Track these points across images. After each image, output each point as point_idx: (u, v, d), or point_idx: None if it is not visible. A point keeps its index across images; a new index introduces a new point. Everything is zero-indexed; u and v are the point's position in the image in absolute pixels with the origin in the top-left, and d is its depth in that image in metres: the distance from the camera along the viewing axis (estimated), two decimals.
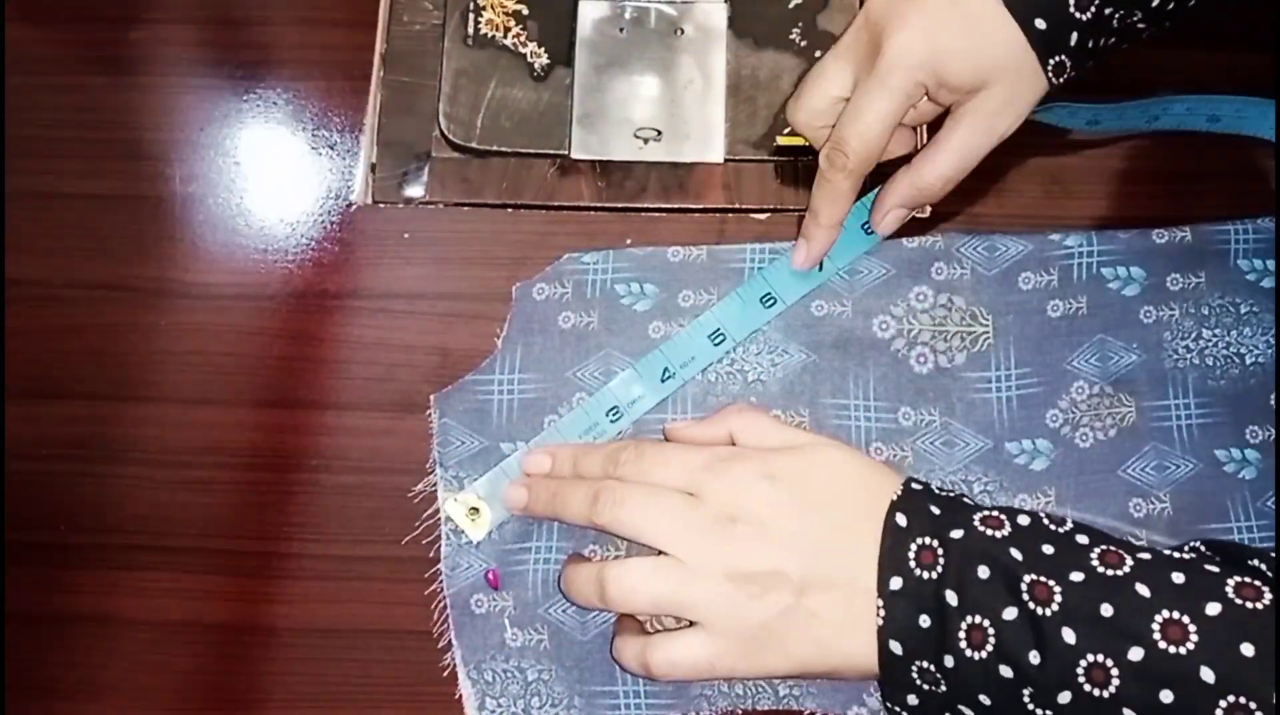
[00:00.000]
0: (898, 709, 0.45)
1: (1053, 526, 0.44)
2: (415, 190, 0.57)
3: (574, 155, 0.57)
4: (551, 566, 0.52)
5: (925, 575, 0.43)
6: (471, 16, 0.58)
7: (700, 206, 0.56)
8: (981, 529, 0.44)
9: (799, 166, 0.57)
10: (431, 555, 0.52)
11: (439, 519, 0.52)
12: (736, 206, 0.56)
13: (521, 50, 0.58)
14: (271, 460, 0.53)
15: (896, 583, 0.43)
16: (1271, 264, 0.54)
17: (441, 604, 0.52)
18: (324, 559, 0.52)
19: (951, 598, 0.42)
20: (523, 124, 0.57)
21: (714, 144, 0.57)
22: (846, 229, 0.54)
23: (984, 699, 0.42)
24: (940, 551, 0.43)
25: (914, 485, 0.46)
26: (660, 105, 0.57)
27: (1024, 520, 0.45)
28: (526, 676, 0.51)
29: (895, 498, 0.46)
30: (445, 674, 0.51)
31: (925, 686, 0.43)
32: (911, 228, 0.55)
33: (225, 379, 0.54)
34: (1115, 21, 0.49)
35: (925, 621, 0.43)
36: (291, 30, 0.59)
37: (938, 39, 0.48)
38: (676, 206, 0.56)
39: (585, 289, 0.55)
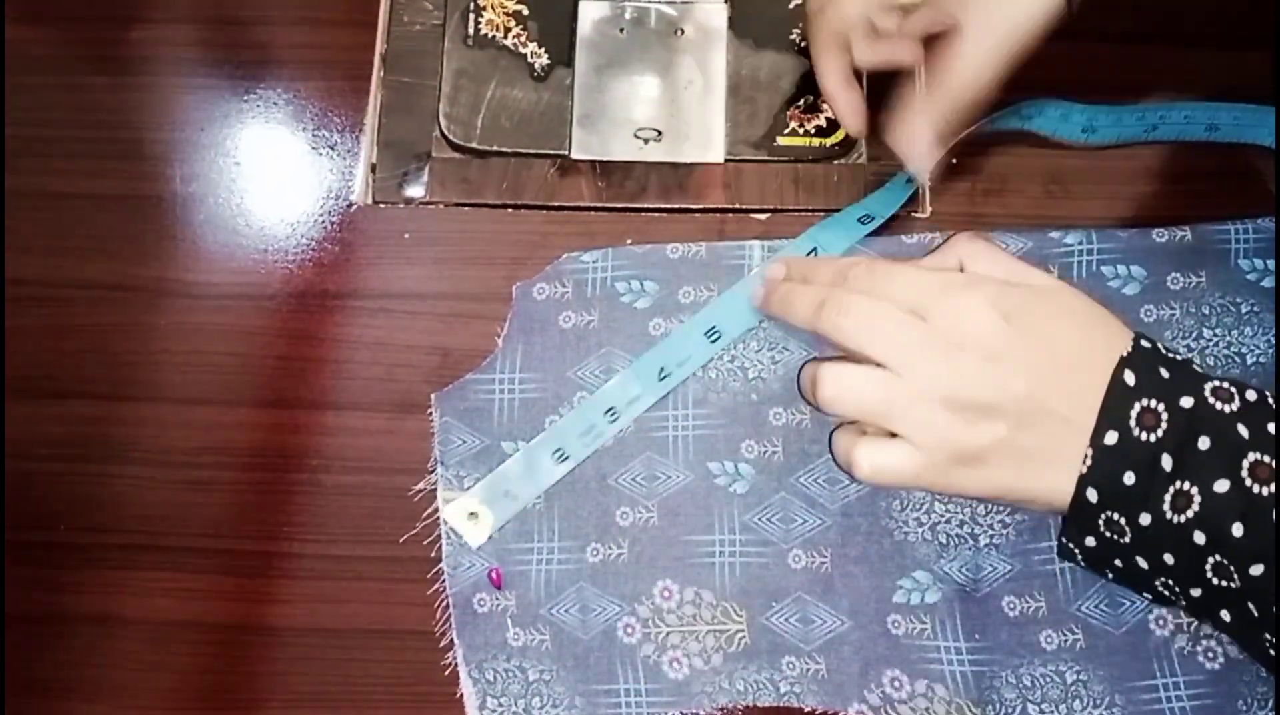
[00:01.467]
0: (1071, 545, 0.45)
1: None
2: (415, 190, 0.56)
3: (574, 155, 0.56)
4: (554, 566, 0.51)
5: (1144, 436, 0.42)
6: (471, 17, 0.58)
7: (700, 206, 0.56)
8: (1211, 400, 0.42)
9: (799, 167, 0.56)
10: (433, 555, 0.52)
11: (439, 518, 0.52)
12: (736, 206, 0.56)
13: (521, 50, 0.57)
14: (271, 460, 0.53)
15: (1112, 437, 0.43)
16: (1272, 263, 0.54)
17: (443, 603, 0.51)
18: (324, 559, 0.52)
19: (1166, 462, 0.42)
20: (523, 124, 0.57)
21: (714, 144, 0.56)
22: (841, 221, 0.53)
23: (1167, 558, 0.42)
24: (1165, 416, 0.42)
25: (1143, 343, 0.45)
26: (660, 105, 0.57)
27: (1252, 395, 0.43)
28: (528, 676, 0.51)
29: (1125, 354, 0.44)
30: (446, 673, 0.51)
31: (1108, 534, 0.43)
32: (907, 230, 0.55)
33: (225, 379, 0.54)
34: None
35: (1130, 478, 0.42)
36: (291, 30, 0.59)
37: None
38: (676, 206, 0.56)
39: (585, 288, 0.54)
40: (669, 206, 0.56)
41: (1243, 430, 0.42)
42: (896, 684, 0.50)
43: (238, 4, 0.59)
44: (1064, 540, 0.45)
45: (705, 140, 0.56)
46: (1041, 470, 0.44)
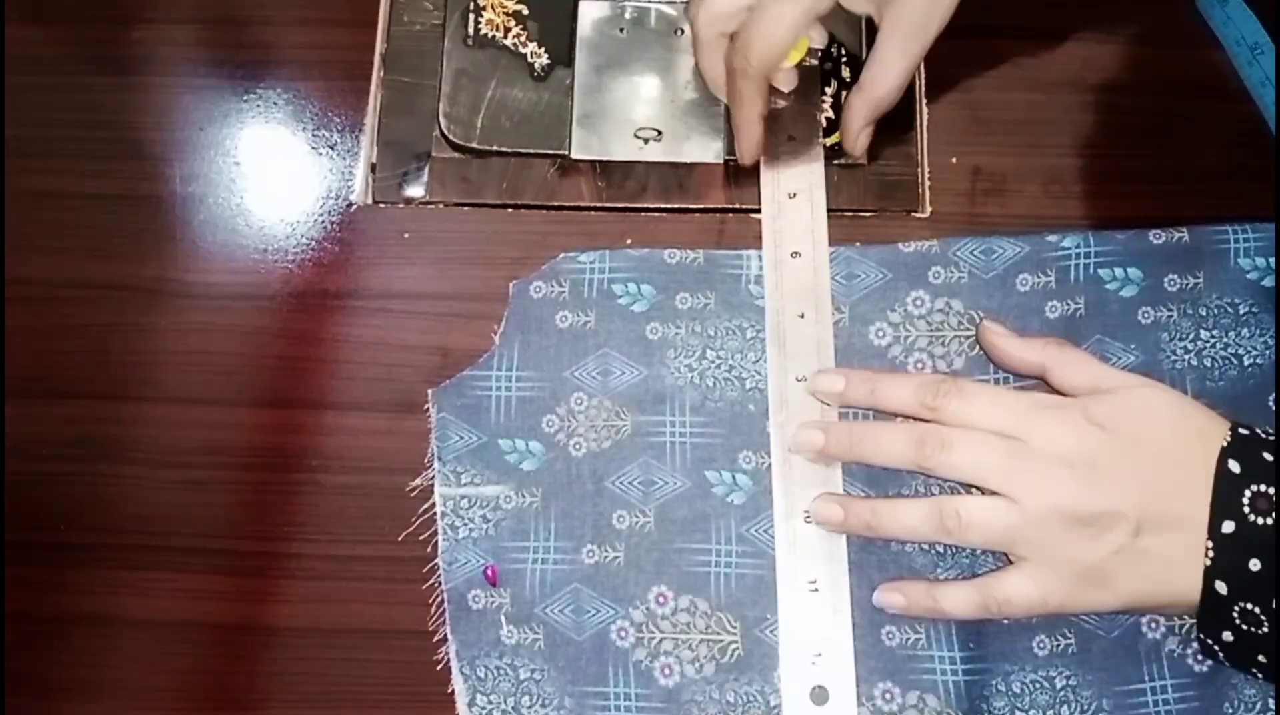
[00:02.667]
0: (1210, 642, 0.45)
1: None
2: (415, 190, 0.56)
3: (574, 155, 0.56)
4: (549, 566, 0.51)
5: (1260, 521, 0.43)
6: (471, 16, 0.57)
7: (700, 206, 0.55)
8: None
9: None
10: (429, 551, 0.51)
11: (435, 514, 0.52)
12: (736, 206, 0.55)
13: (521, 50, 0.57)
14: (271, 460, 0.53)
15: (1229, 526, 0.43)
16: (1271, 264, 0.53)
17: (438, 598, 0.51)
18: (324, 559, 0.52)
19: None
20: (523, 124, 0.56)
21: (714, 144, 0.56)
22: None
23: None
24: (1276, 499, 0.43)
25: (1241, 430, 0.46)
26: (660, 105, 0.56)
27: None
28: (519, 675, 0.50)
29: (1226, 443, 0.45)
30: (439, 668, 0.50)
31: (1245, 626, 0.43)
32: (906, 231, 0.54)
33: (225, 379, 0.53)
34: None
35: (1256, 565, 0.43)
36: (291, 30, 0.58)
37: None
38: (676, 206, 0.55)
39: (582, 289, 0.54)
40: (669, 206, 0.55)
41: None
42: (888, 696, 0.49)
43: (238, 4, 0.58)
44: (1203, 636, 0.45)
45: (705, 140, 0.56)
46: (1169, 572, 0.44)
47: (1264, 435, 0.46)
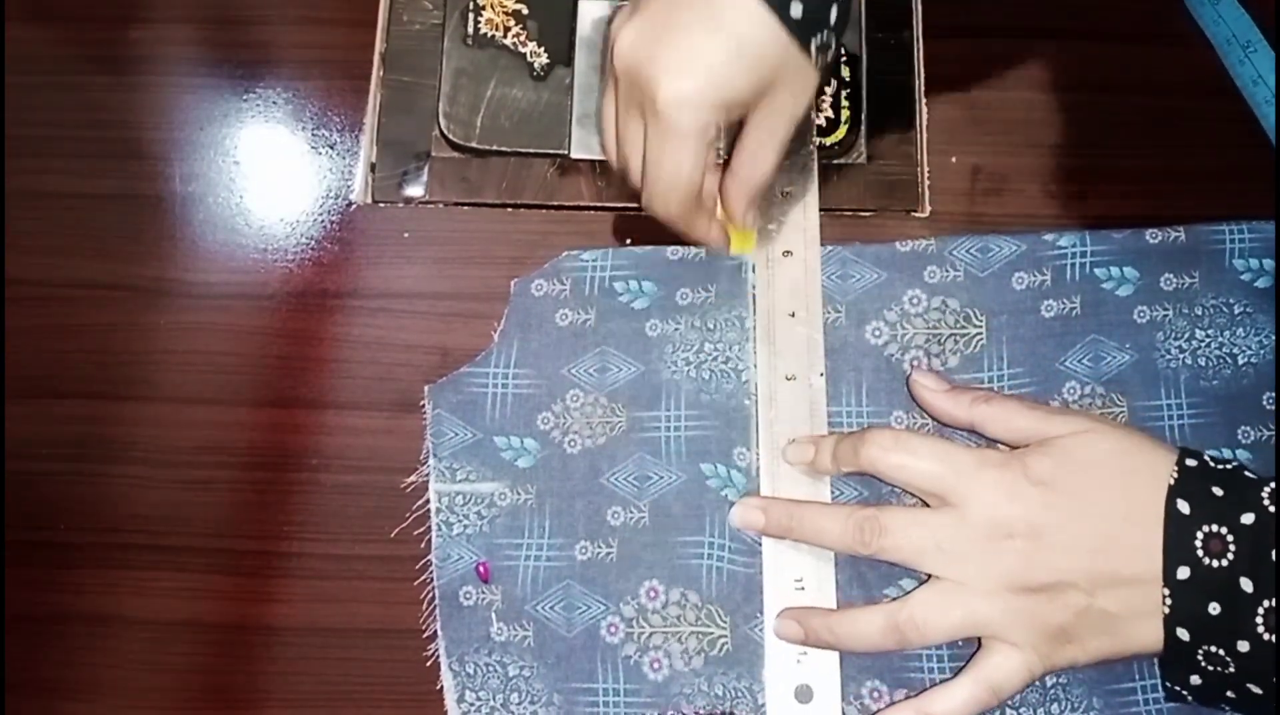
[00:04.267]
0: (1178, 688, 0.44)
1: None
2: (415, 190, 0.55)
3: (574, 155, 0.55)
4: (542, 563, 0.50)
5: (1215, 563, 0.42)
6: (471, 16, 0.56)
7: None
8: (1271, 508, 0.42)
9: None
10: (423, 548, 0.51)
11: (429, 510, 0.51)
12: None
13: (521, 50, 0.56)
14: (271, 460, 0.52)
15: (1184, 572, 0.42)
16: (1267, 263, 0.53)
17: (430, 595, 0.50)
18: (324, 558, 0.51)
19: (1246, 585, 0.41)
20: (522, 124, 0.55)
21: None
22: None
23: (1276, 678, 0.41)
24: (1230, 539, 0.42)
25: (1189, 462, 0.44)
26: None
27: None
28: (508, 672, 0.49)
29: (1173, 482, 0.43)
30: (428, 664, 0.50)
31: (1211, 668, 0.42)
32: (906, 230, 0.54)
33: (225, 379, 0.53)
34: None
35: (1215, 609, 0.42)
36: (291, 30, 0.57)
37: (708, 71, 0.45)
38: None
39: (584, 286, 0.53)
40: None
41: None
42: (875, 694, 0.49)
43: (238, 4, 0.58)
44: (1169, 684, 0.44)
45: None
46: (1131, 626, 0.43)
47: (1214, 464, 0.44)
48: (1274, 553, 0.41)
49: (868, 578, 0.49)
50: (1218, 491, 0.43)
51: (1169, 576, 0.42)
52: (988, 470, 0.45)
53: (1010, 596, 0.44)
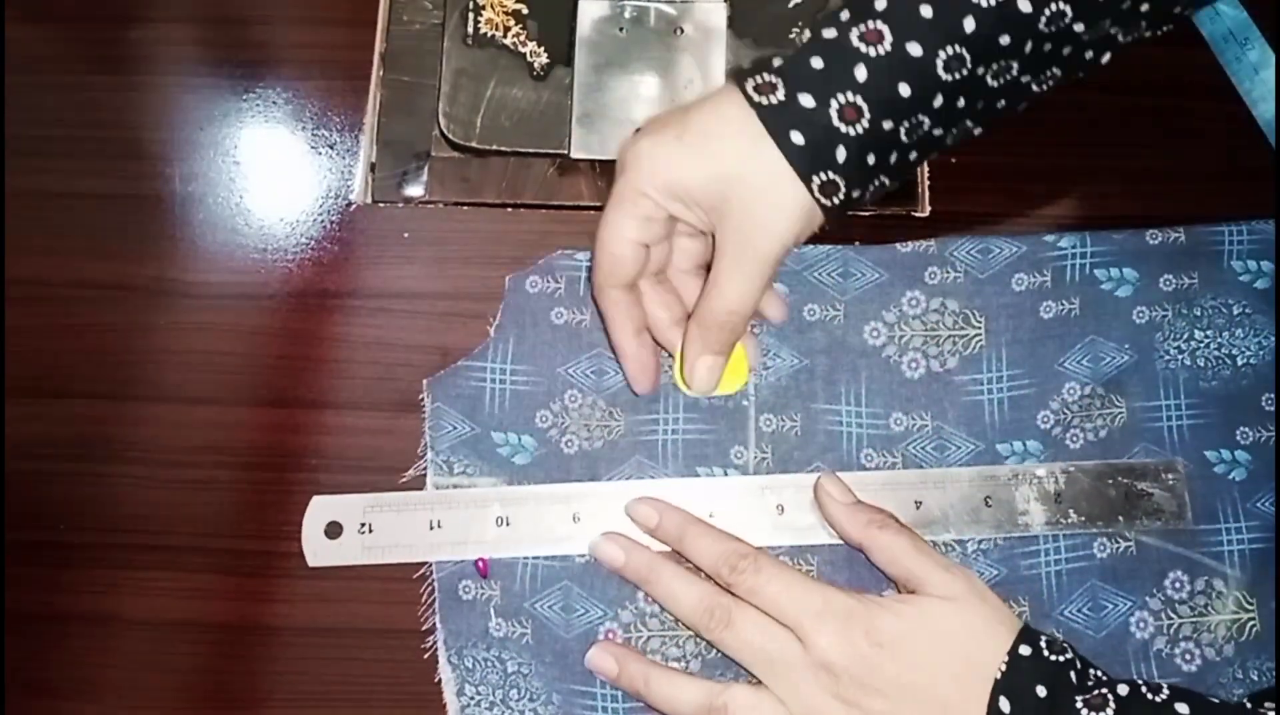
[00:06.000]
0: None
1: (1150, 696, 0.42)
2: (415, 190, 0.54)
3: (574, 155, 0.54)
4: (541, 562, 0.50)
5: None
6: (471, 16, 0.56)
7: None
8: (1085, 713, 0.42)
9: None
10: None
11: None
12: None
13: (521, 50, 0.55)
14: (271, 460, 0.51)
15: None
16: (1265, 265, 0.52)
17: (429, 588, 0.50)
18: None
19: None
20: (522, 123, 0.55)
21: None
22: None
23: None
24: None
25: (1022, 650, 0.43)
26: (660, 105, 0.55)
27: (1124, 690, 0.42)
28: (507, 668, 0.49)
29: (999, 675, 0.43)
30: (426, 656, 0.49)
31: None
32: (906, 230, 0.53)
33: (225, 379, 0.52)
34: (904, 135, 0.43)
35: None
36: (291, 30, 0.57)
37: (671, 160, 0.44)
38: None
39: (578, 286, 0.53)
40: None
41: None
42: None
43: (238, 3, 0.57)
44: None
45: None
46: None
47: (1048, 654, 0.43)
48: None
49: (861, 572, 0.49)
50: (1041, 691, 0.42)
51: None
52: (829, 619, 0.44)
53: None
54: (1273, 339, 0.52)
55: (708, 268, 0.47)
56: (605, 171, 0.54)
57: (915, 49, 0.42)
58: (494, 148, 0.54)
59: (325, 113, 0.56)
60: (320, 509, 0.50)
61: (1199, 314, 0.52)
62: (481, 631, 0.49)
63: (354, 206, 0.54)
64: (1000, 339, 0.52)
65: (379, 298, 0.53)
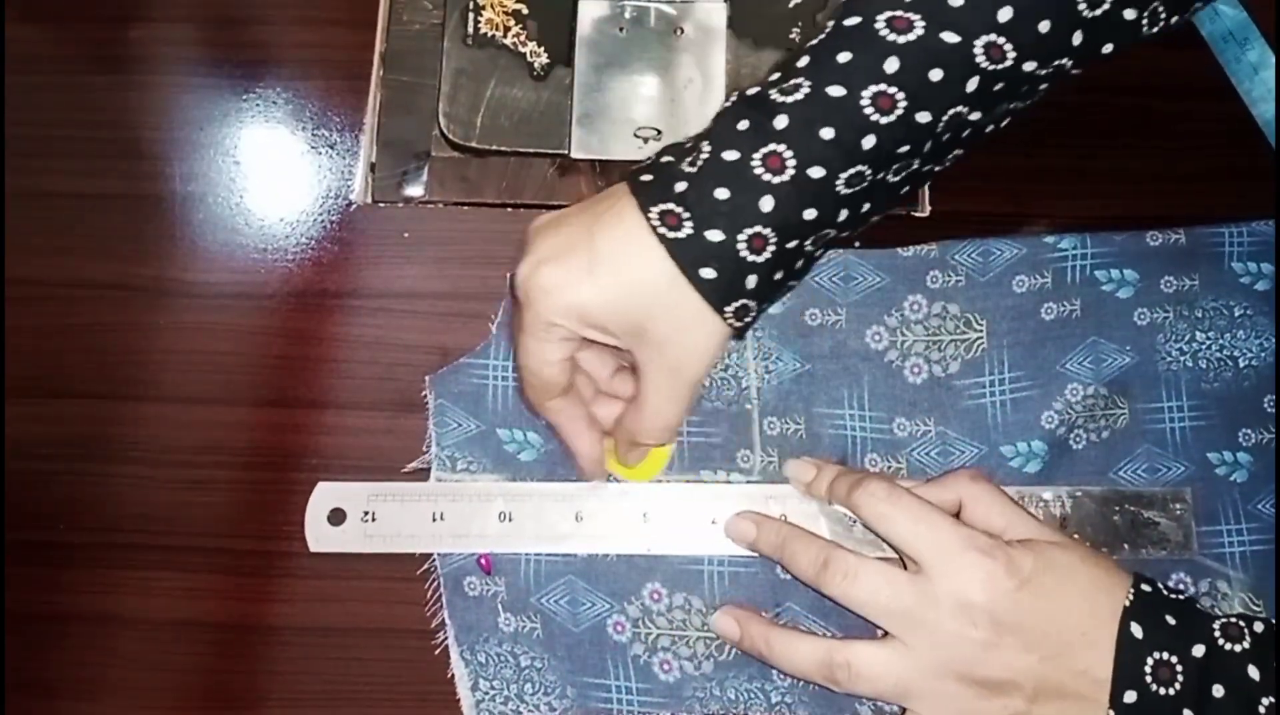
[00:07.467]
0: None
1: None
2: (415, 189, 0.54)
3: (574, 155, 0.54)
4: (543, 557, 0.50)
5: (1161, 691, 0.41)
6: (471, 16, 0.55)
7: None
8: (1221, 643, 0.41)
9: None
10: None
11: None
12: None
13: (521, 50, 0.55)
14: (271, 460, 0.51)
15: (1131, 696, 0.41)
16: (1266, 267, 0.52)
17: (434, 583, 0.49)
18: (324, 558, 0.50)
19: None
20: (522, 123, 0.54)
21: None
22: None
23: None
24: (1179, 669, 0.41)
25: (1144, 587, 0.43)
26: (660, 105, 0.55)
27: (1259, 627, 0.42)
28: (520, 662, 0.49)
29: (1128, 605, 0.42)
30: (429, 662, 0.49)
31: None
32: (908, 231, 0.53)
33: (225, 378, 0.52)
34: (809, 245, 0.43)
35: None
36: (291, 30, 0.56)
37: (581, 293, 0.42)
38: None
39: None
40: None
41: (1254, 673, 0.40)
42: (877, 704, 0.48)
43: (237, 4, 0.57)
44: None
45: None
46: None
47: (1167, 592, 0.43)
48: (1218, 688, 0.40)
49: None
50: (1171, 620, 0.42)
51: (1115, 699, 0.41)
52: (970, 552, 0.43)
53: (951, 682, 0.43)
54: (1273, 340, 0.51)
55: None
56: (605, 171, 0.54)
57: (817, 172, 0.40)
58: (494, 148, 0.54)
59: (325, 113, 0.55)
60: (325, 495, 0.50)
61: (1200, 316, 0.52)
62: (492, 627, 0.49)
63: (354, 206, 0.54)
64: (1002, 341, 0.51)
65: (379, 298, 0.53)
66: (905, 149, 0.41)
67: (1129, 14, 0.41)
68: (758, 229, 0.40)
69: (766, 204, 0.40)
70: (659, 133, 0.54)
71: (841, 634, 0.48)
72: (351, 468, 0.51)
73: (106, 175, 0.54)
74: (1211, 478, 0.50)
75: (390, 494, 0.50)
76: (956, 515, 0.46)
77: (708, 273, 0.41)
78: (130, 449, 0.51)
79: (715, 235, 0.40)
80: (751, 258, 0.41)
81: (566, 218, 0.44)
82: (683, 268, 0.41)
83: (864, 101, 0.40)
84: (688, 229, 0.41)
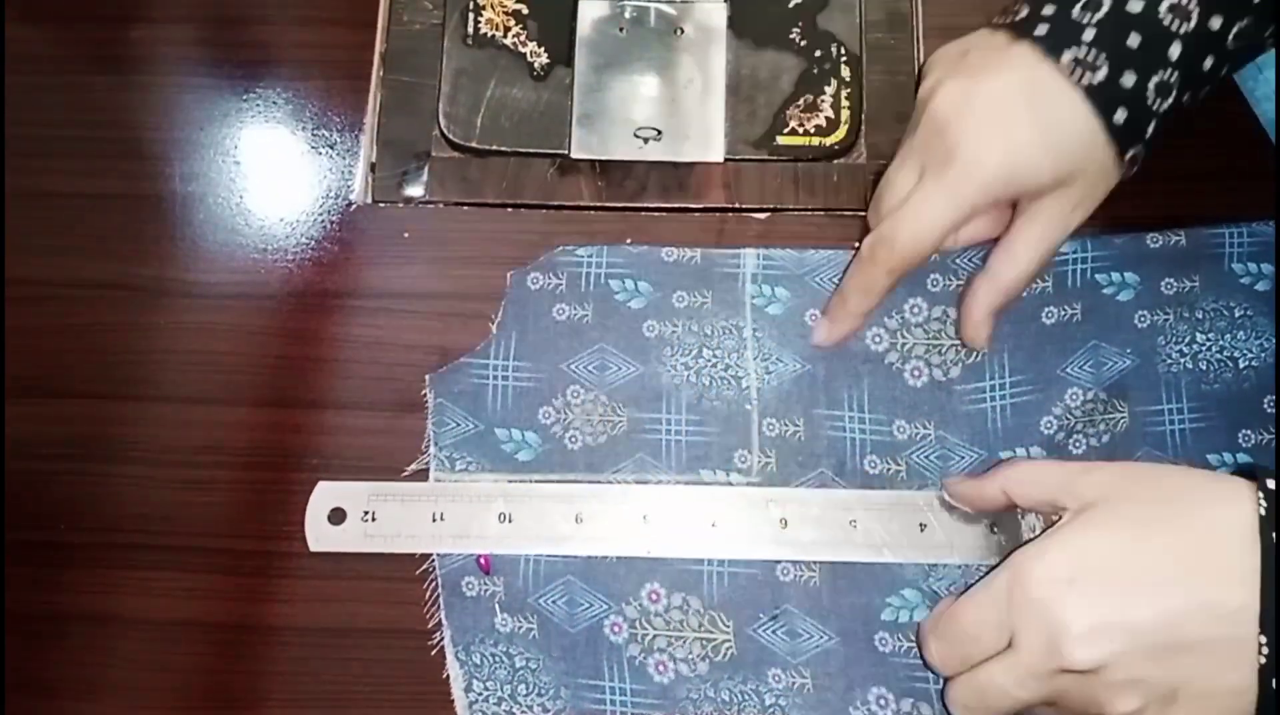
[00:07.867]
0: None
1: None
2: (415, 189, 0.54)
3: (574, 155, 0.54)
4: (543, 557, 0.49)
5: None
6: (471, 16, 0.55)
7: (700, 206, 0.54)
8: None
9: (799, 166, 0.54)
10: None
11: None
12: (736, 206, 0.54)
13: (521, 50, 0.55)
14: (271, 460, 0.51)
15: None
16: (1266, 267, 0.52)
17: (432, 583, 0.49)
18: (324, 558, 0.50)
19: None
20: (522, 123, 0.54)
21: (714, 143, 0.54)
22: None
23: None
24: None
25: (1269, 483, 0.39)
26: (660, 105, 0.54)
27: None
28: (514, 663, 0.49)
29: (1263, 511, 0.38)
30: (429, 662, 0.49)
31: None
32: None
33: (225, 378, 0.52)
34: (1186, 102, 0.45)
35: None
36: (291, 30, 0.56)
37: (1015, 149, 0.44)
38: (676, 206, 0.54)
39: (579, 282, 0.52)
40: (669, 206, 0.54)
41: None
42: (882, 702, 0.48)
43: (238, 3, 0.57)
44: None
45: (705, 139, 0.54)
46: (1220, 669, 0.38)
47: None
48: None
49: (864, 581, 0.49)
50: None
51: (1266, 620, 0.37)
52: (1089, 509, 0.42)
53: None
54: (1274, 341, 0.51)
55: None
56: (605, 171, 0.54)
57: (1216, 22, 0.43)
58: (494, 148, 0.54)
59: (325, 113, 0.55)
60: (325, 495, 0.50)
61: (1200, 317, 0.51)
62: (488, 627, 0.49)
63: (354, 206, 0.54)
64: (1003, 345, 0.51)
65: (379, 298, 0.53)
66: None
67: None
68: (1163, 76, 0.43)
69: (1174, 51, 0.43)
70: (659, 133, 0.54)
71: (840, 637, 0.48)
72: (351, 468, 0.51)
73: (106, 175, 0.54)
74: None
75: (391, 494, 0.50)
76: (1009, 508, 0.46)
77: (1119, 117, 0.43)
78: (130, 449, 0.51)
79: (1129, 79, 0.43)
80: (1157, 103, 0.43)
81: (969, 71, 0.45)
82: (1100, 109, 0.43)
83: None
84: (1102, 74, 0.43)
